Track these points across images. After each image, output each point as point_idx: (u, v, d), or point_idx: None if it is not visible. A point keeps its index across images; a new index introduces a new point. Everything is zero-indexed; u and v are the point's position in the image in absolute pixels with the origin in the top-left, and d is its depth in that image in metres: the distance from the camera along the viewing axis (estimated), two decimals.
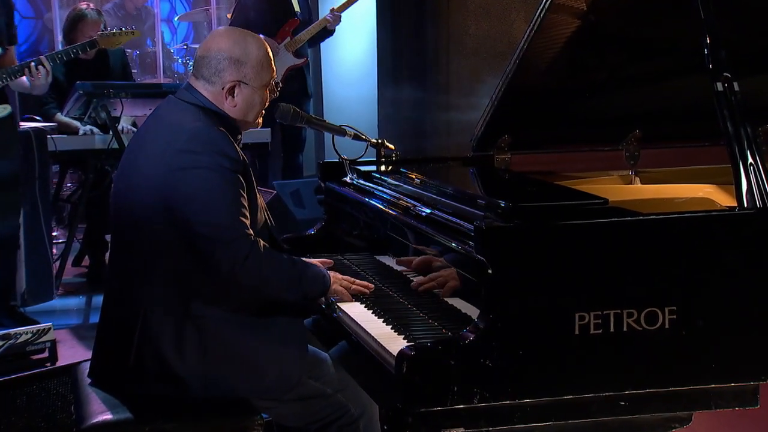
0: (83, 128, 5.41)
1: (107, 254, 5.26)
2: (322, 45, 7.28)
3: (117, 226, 2.74)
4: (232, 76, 2.67)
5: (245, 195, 2.59)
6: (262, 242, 2.56)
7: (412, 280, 2.79)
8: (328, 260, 2.91)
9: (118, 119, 5.36)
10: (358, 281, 2.78)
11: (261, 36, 2.82)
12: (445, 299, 2.59)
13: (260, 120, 2.80)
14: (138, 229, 2.62)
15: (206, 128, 2.59)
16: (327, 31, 6.66)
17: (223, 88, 2.67)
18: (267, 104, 2.80)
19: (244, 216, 2.55)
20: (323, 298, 2.72)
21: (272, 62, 2.75)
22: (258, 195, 2.71)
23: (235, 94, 2.69)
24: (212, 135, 2.58)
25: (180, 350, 2.55)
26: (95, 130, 5.42)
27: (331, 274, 2.74)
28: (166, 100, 2.76)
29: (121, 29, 5.21)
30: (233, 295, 2.59)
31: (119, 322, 2.66)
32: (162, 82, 8.06)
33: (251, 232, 2.55)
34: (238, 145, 2.69)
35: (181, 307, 2.57)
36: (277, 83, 2.79)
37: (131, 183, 2.66)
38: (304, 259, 2.76)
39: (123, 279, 2.69)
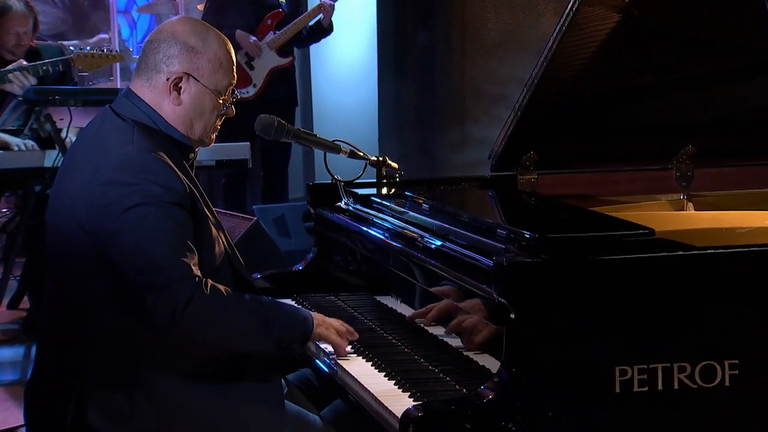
0: (22, 143, 5.38)
1: None
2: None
3: (51, 265, 2.72)
4: (182, 65, 2.63)
5: (191, 230, 2.55)
6: (211, 284, 2.52)
7: (421, 326, 2.80)
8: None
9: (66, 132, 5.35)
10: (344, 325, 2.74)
11: (235, 39, 2.78)
12: (459, 349, 2.59)
13: (213, 137, 2.76)
14: (70, 272, 2.61)
15: (139, 154, 2.55)
16: (322, 29, 6.67)
17: (167, 79, 2.63)
18: (221, 121, 2.74)
19: (187, 256, 2.50)
20: (323, 356, 2.71)
21: (234, 70, 2.72)
22: (212, 227, 2.66)
23: (181, 90, 2.64)
24: (145, 162, 2.54)
25: (126, 417, 2.53)
26: (36, 146, 5.41)
27: (317, 315, 2.71)
28: (101, 112, 2.72)
29: (101, 50, 5.23)
30: (188, 352, 2.57)
31: (54, 383, 2.64)
32: (118, 87, 8.08)
33: (196, 274, 2.51)
34: (189, 166, 2.66)
35: (127, 365, 2.54)
36: (234, 98, 2.76)
37: (57, 219, 2.65)
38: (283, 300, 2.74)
39: (60, 329, 2.67)
